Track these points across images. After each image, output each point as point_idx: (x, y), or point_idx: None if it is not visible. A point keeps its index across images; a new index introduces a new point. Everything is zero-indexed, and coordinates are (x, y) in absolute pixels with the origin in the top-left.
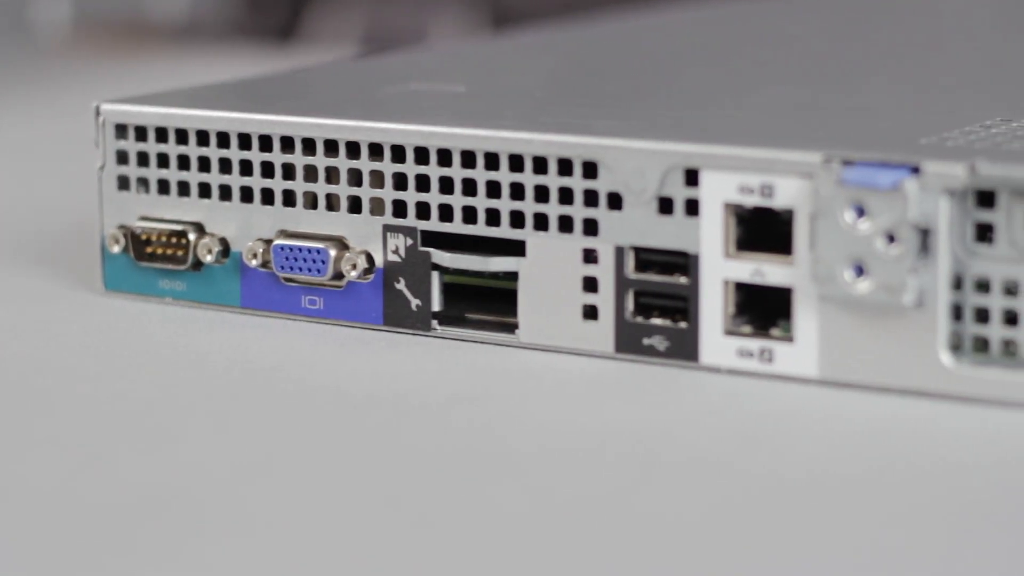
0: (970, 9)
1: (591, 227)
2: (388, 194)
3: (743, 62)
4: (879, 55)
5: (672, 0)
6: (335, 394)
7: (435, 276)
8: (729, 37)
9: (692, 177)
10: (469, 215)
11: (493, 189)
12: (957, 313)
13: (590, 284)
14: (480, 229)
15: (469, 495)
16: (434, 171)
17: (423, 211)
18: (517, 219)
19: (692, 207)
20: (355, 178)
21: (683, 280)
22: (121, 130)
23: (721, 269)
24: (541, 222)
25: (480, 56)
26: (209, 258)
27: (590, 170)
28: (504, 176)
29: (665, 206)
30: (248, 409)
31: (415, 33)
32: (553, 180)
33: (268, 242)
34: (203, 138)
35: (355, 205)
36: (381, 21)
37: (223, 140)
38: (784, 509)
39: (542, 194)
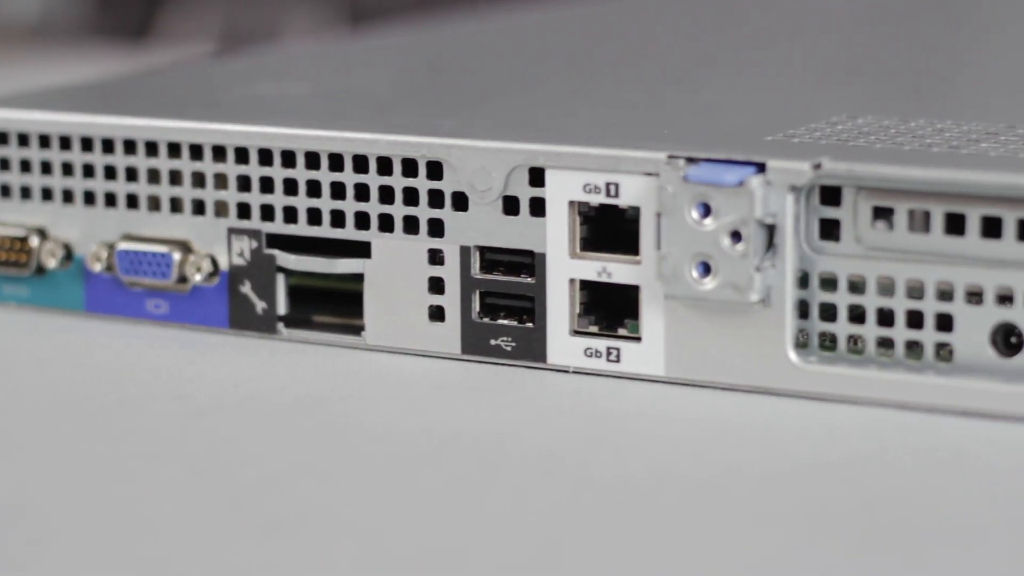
0: (816, 7)
1: (436, 228)
2: (232, 196)
3: (591, 62)
4: (726, 54)
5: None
6: (178, 398)
7: (280, 279)
8: (578, 37)
9: (537, 176)
10: (314, 217)
11: (337, 190)
12: (803, 311)
13: (436, 285)
14: (325, 231)
15: (314, 498)
16: (278, 173)
17: (267, 213)
18: (362, 220)
19: (537, 206)
20: (199, 180)
21: (529, 280)
22: None
23: (567, 268)
24: (386, 223)
25: (329, 56)
26: (52, 263)
27: (435, 170)
28: (348, 177)
29: (510, 206)
30: (90, 415)
31: (270, 31)
32: (398, 181)
33: (112, 246)
34: (45, 141)
35: (199, 208)
36: (236, 19)
37: (65, 143)
38: (631, 509)
39: (387, 195)
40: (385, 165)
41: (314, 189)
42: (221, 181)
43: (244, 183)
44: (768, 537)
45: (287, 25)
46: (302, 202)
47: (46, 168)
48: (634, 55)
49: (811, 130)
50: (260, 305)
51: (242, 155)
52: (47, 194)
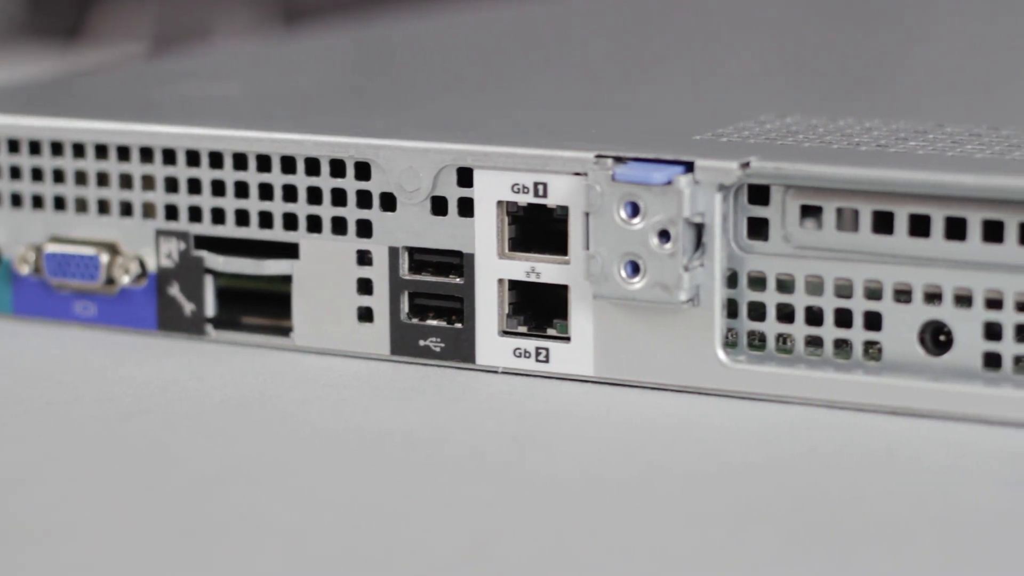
0: (746, 7)
1: (365, 228)
2: (160, 198)
3: (520, 62)
4: (656, 54)
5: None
6: (106, 401)
7: (209, 280)
8: (508, 38)
9: (465, 176)
10: (242, 218)
11: (265, 191)
12: (732, 310)
13: (364, 286)
14: (253, 232)
15: (243, 500)
16: (205, 174)
17: (195, 215)
18: (290, 221)
19: (466, 207)
20: (126, 182)
21: (458, 280)
22: None
23: (496, 269)
24: (314, 224)
25: (260, 56)
26: None
27: (363, 171)
28: (276, 178)
29: (439, 206)
30: (16, 417)
31: (204, 31)
32: (326, 182)
33: (39, 248)
34: None
35: (127, 209)
36: (169, 19)
37: None
38: (559, 509)
39: (315, 196)
40: (313, 166)
41: (242, 190)
42: (149, 182)
43: (172, 184)
44: (696, 537)
45: (220, 25)
46: (230, 203)
47: None
48: (564, 55)
49: (740, 129)
50: (188, 307)
51: (169, 156)
52: None
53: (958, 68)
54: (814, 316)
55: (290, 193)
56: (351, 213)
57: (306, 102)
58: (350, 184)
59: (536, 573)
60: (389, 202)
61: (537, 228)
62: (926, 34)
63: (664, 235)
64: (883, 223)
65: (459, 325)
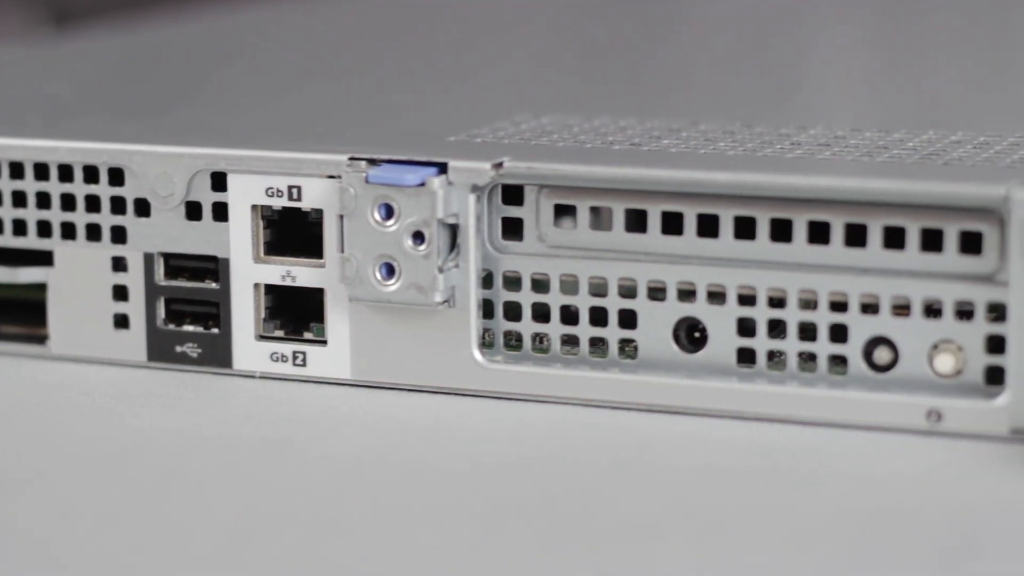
0: (500, 5)
1: (119, 235)
2: None
3: (276, 66)
4: (413, 55)
5: (232, 1)
6: None
7: None
8: (266, 41)
9: (219, 181)
10: None
11: (19, 199)
12: (488, 310)
13: (120, 292)
14: (7, 240)
15: None
16: None
17: None
18: (44, 229)
19: (220, 211)
20: None
21: (214, 286)
22: None
23: (251, 273)
24: (69, 231)
25: (21, 61)
26: None
27: (116, 176)
28: (29, 185)
29: (193, 211)
30: None
31: None
32: (80, 188)
33: None
34: None
35: None
36: None
37: None
38: (314, 512)
39: (69, 203)
40: (66, 172)
41: None
42: None
43: None
44: (451, 536)
45: None
46: None
47: None
48: (320, 58)
49: (495, 129)
50: None
51: None
52: None
53: (715, 64)
54: (570, 315)
55: (44, 200)
56: (105, 219)
57: (63, 108)
58: (104, 190)
59: (286, 575)
60: (143, 208)
61: (292, 232)
62: (681, 33)
63: (418, 237)
64: (637, 221)
65: (216, 330)
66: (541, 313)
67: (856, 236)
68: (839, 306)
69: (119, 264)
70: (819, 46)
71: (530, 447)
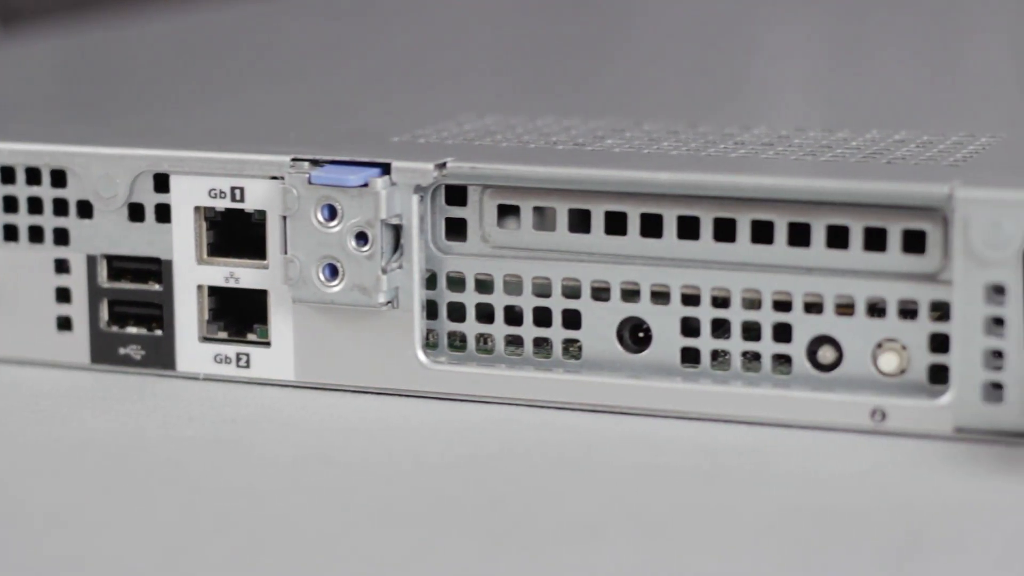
0: (444, 4)
1: (62, 236)
2: None
3: (221, 66)
4: (355, 54)
5: (170, 2)
6: None
7: None
8: (210, 42)
9: (162, 182)
10: None
11: None
12: (432, 311)
13: (63, 295)
14: None
15: None
16: None
17: None
18: None
19: (163, 213)
20: None
21: (157, 287)
22: None
23: (194, 275)
24: (11, 233)
25: None
26: None
27: (59, 178)
28: None
29: (136, 213)
30: None
31: None
32: (21, 190)
33: None
34: None
35: None
36: None
37: None
38: (256, 514)
39: (11, 204)
40: (8, 174)
41: None
42: None
43: None
44: (395, 537)
45: None
46: None
47: None
48: (264, 60)
49: (439, 130)
50: None
51: None
52: None
53: (659, 64)
54: (514, 316)
55: None
56: (48, 221)
57: (5, 109)
58: (46, 192)
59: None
60: (86, 209)
61: (236, 233)
62: (632, 32)
63: (362, 237)
64: (580, 221)
65: (159, 332)
66: (485, 314)
67: (800, 235)
68: (783, 305)
69: (62, 266)
70: (763, 45)
71: (474, 447)
